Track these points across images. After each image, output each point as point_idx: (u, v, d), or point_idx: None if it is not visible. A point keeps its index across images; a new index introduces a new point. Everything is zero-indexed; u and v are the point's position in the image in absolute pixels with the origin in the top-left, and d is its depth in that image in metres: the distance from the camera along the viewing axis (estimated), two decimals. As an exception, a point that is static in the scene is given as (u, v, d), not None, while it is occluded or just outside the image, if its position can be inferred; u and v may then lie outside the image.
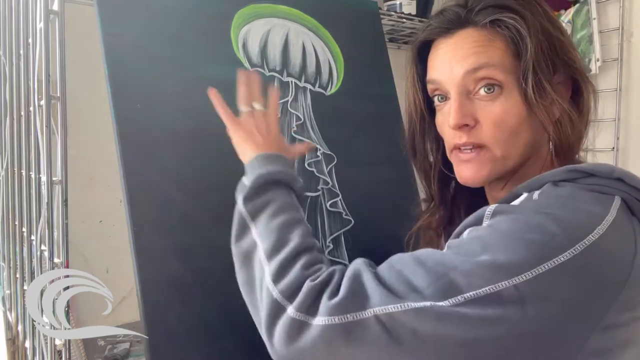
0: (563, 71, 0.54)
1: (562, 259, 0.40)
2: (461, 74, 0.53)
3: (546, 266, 0.40)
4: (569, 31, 1.31)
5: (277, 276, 0.47)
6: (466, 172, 0.55)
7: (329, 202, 0.84)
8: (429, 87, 0.58)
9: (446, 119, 0.55)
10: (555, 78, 0.53)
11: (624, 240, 0.44)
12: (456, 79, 0.53)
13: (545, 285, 0.40)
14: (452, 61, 0.54)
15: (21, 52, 0.79)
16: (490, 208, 0.46)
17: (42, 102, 0.66)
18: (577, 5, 1.31)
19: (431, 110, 0.61)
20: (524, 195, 0.49)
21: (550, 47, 0.52)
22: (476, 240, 0.44)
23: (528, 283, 0.39)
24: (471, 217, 0.48)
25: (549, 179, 0.48)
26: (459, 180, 0.57)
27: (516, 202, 0.49)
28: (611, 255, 0.43)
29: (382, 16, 1.19)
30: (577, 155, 0.55)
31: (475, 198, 0.64)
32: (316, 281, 0.45)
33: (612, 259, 0.43)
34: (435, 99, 0.58)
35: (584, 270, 0.41)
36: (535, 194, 0.47)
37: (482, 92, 0.52)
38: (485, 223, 0.45)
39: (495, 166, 0.53)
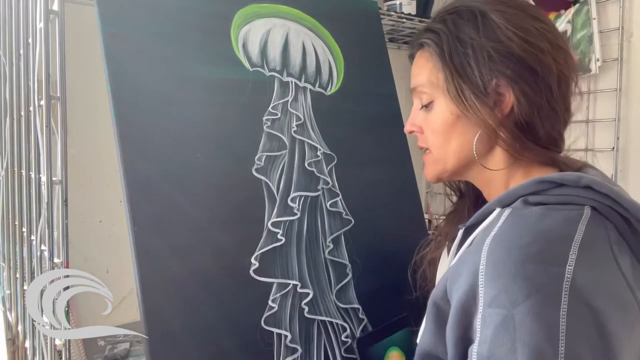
0: (490, 84, 0.54)
1: (565, 306, 0.40)
2: (411, 91, 0.62)
3: (563, 317, 0.40)
4: (568, 31, 1.31)
5: None
6: (424, 170, 0.64)
7: (329, 202, 0.84)
8: None
9: None
10: (493, 85, 0.53)
11: (598, 255, 0.45)
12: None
13: (581, 333, 0.40)
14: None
15: (21, 52, 0.79)
16: (480, 286, 0.45)
17: (42, 102, 0.66)
18: (577, 5, 1.31)
19: None
20: (496, 211, 0.51)
21: (479, 58, 0.54)
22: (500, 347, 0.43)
23: (570, 346, 0.39)
24: (459, 295, 0.46)
25: (520, 193, 0.50)
26: None
27: (489, 219, 0.51)
28: (594, 275, 0.43)
29: (382, 16, 1.19)
30: (554, 158, 0.55)
31: (477, 194, 0.66)
32: None
33: (597, 277, 0.43)
34: None
35: (585, 300, 0.41)
36: (505, 214, 0.49)
37: (423, 105, 0.60)
38: (481, 307, 0.44)
39: (437, 167, 0.61)
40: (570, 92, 0.56)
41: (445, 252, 0.63)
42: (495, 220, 0.49)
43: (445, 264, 0.67)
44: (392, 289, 0.82)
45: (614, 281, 0.44)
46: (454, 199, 0.71)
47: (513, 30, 0.53)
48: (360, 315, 0.81)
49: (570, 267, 0.42)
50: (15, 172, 0.86)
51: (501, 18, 0.54)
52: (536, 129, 0.53)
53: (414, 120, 0.63)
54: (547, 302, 0.40)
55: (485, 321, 0.43)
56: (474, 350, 0.43)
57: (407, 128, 0.63)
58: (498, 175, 0.57)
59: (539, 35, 0.54)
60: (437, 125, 0.58)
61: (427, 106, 0.59)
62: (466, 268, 0.47)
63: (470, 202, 0.68)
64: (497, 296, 0.42)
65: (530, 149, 0.54)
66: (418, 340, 0.54)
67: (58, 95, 0.66)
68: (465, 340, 0.46)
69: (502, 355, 0.41)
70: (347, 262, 0.83)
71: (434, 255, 0.68)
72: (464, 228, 0.56)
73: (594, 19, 1.27)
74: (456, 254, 0.56)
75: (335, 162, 0.87)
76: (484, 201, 0.66)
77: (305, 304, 0.76)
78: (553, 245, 0.44)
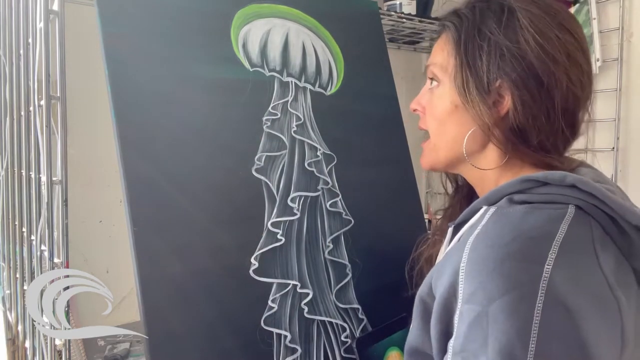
0: (495, 82, 0.53)
1: (540, 304, 0.40)
2: (426, 67, 0.62)
3: (537, 315, 0.40)
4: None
5: None
6: (421, 157, 0.65)
7: (329, 202, 0.84)
8: None
9: None
10: (496, 85, 0.53)
11: (579, 254, 0.45)
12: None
13: (554, 332, 0.40)
14: None
15: (21, 52, 0.79)
16: (460, 282, 0.45)
17: (42, 102, 0.66)
18: (577, 5, 1.31)
19: None
20: (483, 209, 0.51)
21: (491, 54, 0.53)
22: (472, 342, 0.43)
23: (541, 344, 0.39)
24: (441, 291, 0.47)
25: (506, 191, 0.50)
26: None
27: (475, 217, 0.51)
28: (573, 275, 0.43)
29: (382, 16, 1.19)
30: (550, 157, 0.54)
31: (472, 189, 0.66)
32: None
33: (576, 277, 0.43)
34: None
35: (561, 300, 0.41)
36: (489, 212, 0.49)
37: (429, 85, 0.61)
38: (459, 303, 0.45)
39: (432, 154, 0.62)
40: (581, 113, 0.55)
41: (443, 249, 0.64)
42: (480, 219, 0.49)
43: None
44: (392, 289, 0.82)
45: (594, 281, 0.44)
46: (450, 191, 0.71)
47: (533, 34, 0.52)
48: (360, 315, 0.81)
49: (548, 267, 0.42)
50: (15, 172, 0.86)
51: (526, 19, 0.52)
52: (529, 137, 0.53)
53: (420, 99, 0.63)
54: (522, 300, 0.41)
55: (462, 317, 0.44)
56: (450, 345, 0.44)
57: (412, 106, 0.64)
58: (490, 174, 0.57)
59: (559, 45, 0.52)
60: (437, 110, 0.59)
61: (432, 85, 0.60)
62: (449, 265, 0.47)
63: (464, 198, 0.69)
64: (474, 293, 0.43)
65: (522, 151, 0.54)
66: (407, 337, 0.54)
67: (58, 95, 0.65)
68: (447, 335, 0.46)
69: (473, 350, 0.42)
70: (346, 262, 0.83)
71: (430, 252, 0.69)
72: (453, 226, 0.56)
73: (594, 19, 1.27)
74: (444, 250, 0.56)
75: (335, 162, 0.87)
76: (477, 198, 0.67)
77: (305, 304, 0.76)
78: (533, 243, 0.44)
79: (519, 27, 0.52)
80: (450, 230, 0.57)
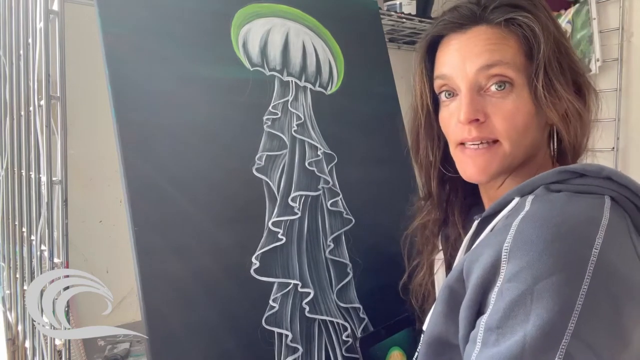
0: (568, 74, 0.55)
1: (585, 287, 0.41)
2: (474, 70, 0.54)
3: (582, 296, 0.40)
4: (568, 31, 1.31)
5: None
6: (472, 167, 0.56)
7: (330, 202, 0.84)
8: (437, 82, 0.59)
9: (453, 114, 0.57)
10: (562, 79, 0.54)
11: (622, 240, 0.45)
12: (468, 75, 0.54)
13: (596, 314, 0.40)
14: (465, 57, 0.55)
15: (21, 52, 0.79)
16: (502, 262, 0.45)
17: (42, 102, 0.66)
18: (577, 5, 1.31)
19: (435, 107, 0.62)
20: (516, 200, 0.50)
21: (558, 49, 0.54)
22: (510, 318, 0.43)
23: (581, 325, 0.40)
24: (480, 272, 0.46)
25: (542, 182, 0.50)
26: (462, 176, 0.58)
27: (508, 207, 0.50)
28: (617, 260, 0.43)
29: (382, 16, 1.19)
30: (580, 158, 0.57)
31: (467, 199, 0.66)
32: None
33: (620, 263, 0.43)
34: (442, 95, 0.59)
35: (606, 284, 0.41)
36: (529, 199, 0.48)
37: (493, 88, 0.54)
38: (499, 282, 0.44)
39: (504, 162, 0.55)
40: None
41: (465, 241, 0.59)
42: (520, 206, 0.49)
43: (442, 276, 0.67)
44: (393, 288, 0.82)
45: (634, 267, 0.44)
46: (443, 198, 0.67)
47: (569, 41, 0.58)
48: (361, 315, 0.81)
49: (596, 251, 0.42)
50: (15, 172, 0.86)
51: (560, 25, 0.57)
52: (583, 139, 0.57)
53: (477, 105, 0.54)
54: (569, 281, 0.41)
55: (502, 294, 0.43)
56: (482, 321, 0.44)
57: (471, 115, 0.54)
58: (527, 176, 0.56)
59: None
60: (519, 113, 0.53)
61: (502, 89, 0.53)
62: (488, 248, 0.47)
63: (457, 211, 0.67)
64: (519, 272, 0.43)
65: (578, 146, 0.57)
66: (425, 327, 0.53)
67: (58, 95, 0.65)
68: (478, 317, 0.46)
69: (512, 326, 0.41)
70: (347, 261, 0.83)
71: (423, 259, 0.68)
72: (479, 219, 0.55)
73: (594, 19, 1.27)
74: (468, 245, 0.55)
75: (335, 161, 0.87)
76: (468, 210, 0.66)
77: (306, 303, 0.76)
78: (582, 226, 0.44)
79: (559, 24, 0.57)
80: (475, 224, 0.55)
